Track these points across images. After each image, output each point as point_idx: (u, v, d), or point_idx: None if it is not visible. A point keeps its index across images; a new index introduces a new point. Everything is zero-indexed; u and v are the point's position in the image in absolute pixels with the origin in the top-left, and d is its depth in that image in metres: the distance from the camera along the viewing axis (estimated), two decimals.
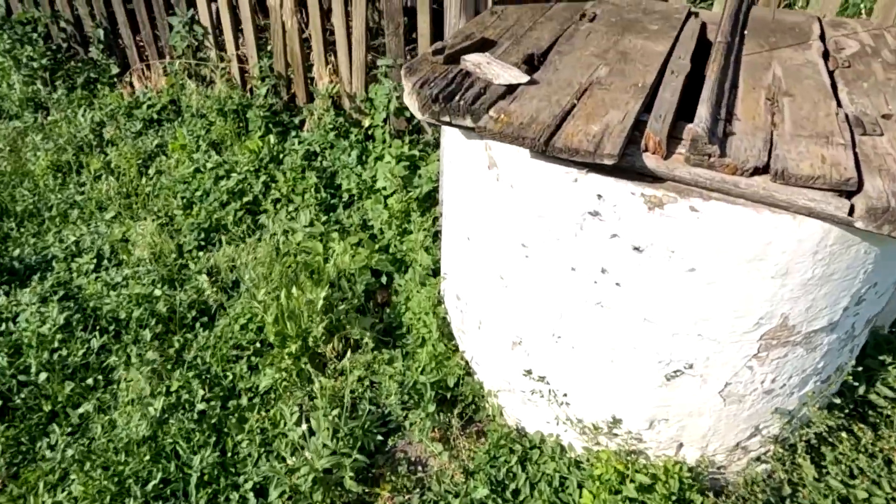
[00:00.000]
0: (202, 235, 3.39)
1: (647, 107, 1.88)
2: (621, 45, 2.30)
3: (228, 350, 2.76)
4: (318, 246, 3.15)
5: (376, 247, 3.21)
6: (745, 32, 2.48)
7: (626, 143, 1.65)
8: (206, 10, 4.27)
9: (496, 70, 1.92)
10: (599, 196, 1.72)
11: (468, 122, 1.81)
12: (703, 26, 2.69)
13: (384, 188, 3.51)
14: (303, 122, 4.25)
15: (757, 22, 2.63)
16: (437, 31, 4.07)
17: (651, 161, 1.65)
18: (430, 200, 3.47)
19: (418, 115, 1.87)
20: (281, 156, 4.02)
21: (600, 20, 2.55)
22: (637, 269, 1.78)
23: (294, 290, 2.69)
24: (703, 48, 2.44)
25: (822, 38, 2.48)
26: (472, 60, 1.96)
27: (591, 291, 1.90)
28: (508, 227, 2.00)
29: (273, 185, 3.73)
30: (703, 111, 1.69)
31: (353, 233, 3.34)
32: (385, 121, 3.92)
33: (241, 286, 2.94)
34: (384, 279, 3.08)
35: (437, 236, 3.24)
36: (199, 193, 3.72)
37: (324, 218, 3.44)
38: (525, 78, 1.91)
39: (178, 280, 3.16)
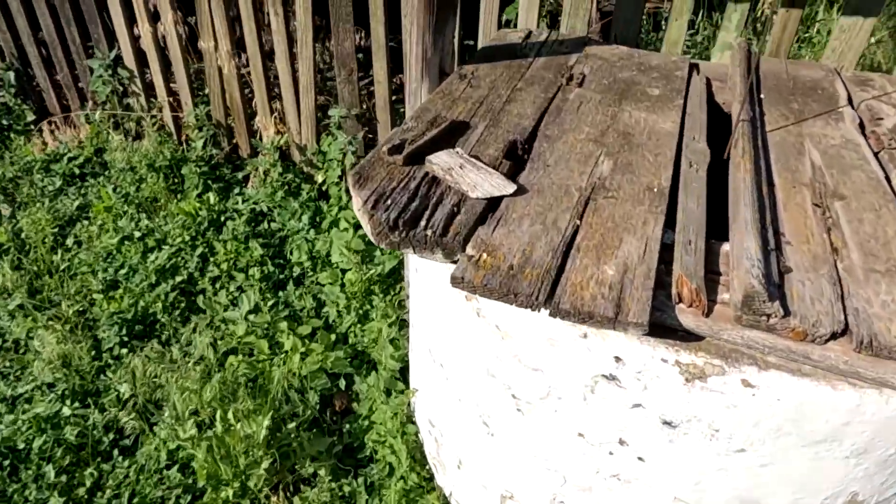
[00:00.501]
0: (125, 329, 2.86)
1: (668, 219, 1.46)
2: (621, 121, 1.88)
3: (153, 489, 2.25)
4: (263, 345, 2.65)
5: (332, 338, 2.73)
6: (762, 96, 2.09)
7: (652, 295, 1.22)
8: (130, 50, 3.73)
9: (472, 177, 1.48)
10: (617, 359, 1.28)
11: (438, 257, 1.36)
12: (709, 84, 2.29)
13: (340, 262, 3.03)
14: (247, 178, 3.74)
15: (769, 78, 2.24)
16: (397, 69, 3.60)
17: (689, 319, 1.23)
18: (394, 276, 3.01)
19: (373, 240, 1.41)
20: (223, 218, 3.51)
21: (591, 83, 2.13)
22: (668, 446, 1.35)
23: (231, 414, 2.20)
24: (714, 116, 2.04)
25: (850, 101, 2.10)
26: (440, 164, 1.51)
27: (605, 462, 1.47)
28: (493, 371, 1.56)
29: (212, 257, 3.22)
30: (750, 246, 1.27)
31: (305, 320, 2.86)
32: (341, 177, 3.44)
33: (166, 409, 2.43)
34: (342, 381, 2.60)
35: (404, 324, 2.78)
36: (123, 272, 3.18)
37: (271, 301, 2.94)
38: (510, 187, 1.47)
39: (93, 392, 2.62)
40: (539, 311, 1.20)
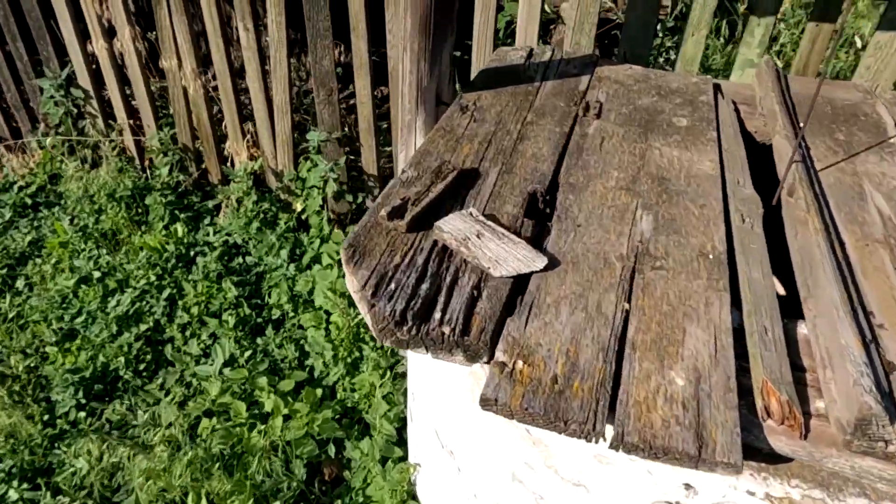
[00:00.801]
0: (83, 390, 2.53)
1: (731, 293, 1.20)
2: (652, 162, 1.62)
3: None
4: (241, 407, 2.35)
5: (318, 393, 2.44)
6: (801, 125, 1.85)
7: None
8: (84, 68, 3.38)
9: (493, 248, 1.20)
10: (688, 486, 1.03)
11: (459, 359, 1.09)
12: (737, 110, 2.05)
13: (325, 304, 2.74)
14: (219, 206, 3.42)
15: (802, 103, 2.01)
16: (380, 80, 3.33)
17: (782, 442, 0.97)
18: None
19: (376, 336, 1.14)
20: (192, 252, 3.19)
21: (609, 113, 1.87)
22: None
23: (204, 500, 1.90)
24: (748, 148, 1.80)
25: None
26: (453, 232, 1.23)
27: None
28: (520, 477, 1.29)
29: (181, 300, 2.90)
30: (849, 340, 1.02)
31: (286, 373, 2.56)
32: (323, 205, 3.15)
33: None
34: (331, 447, 2.32)
35: (399, 375, 2.50)
36: (80, 319, 2.85)
37: (248, 350, 2.64)
38: (539, 261, 1.20)
39: (45, 470, 2.30)
40: (597, 441, 0.93)
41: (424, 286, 1.15)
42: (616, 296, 1.17)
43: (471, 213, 1.30)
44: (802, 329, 1.18)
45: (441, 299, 1.13)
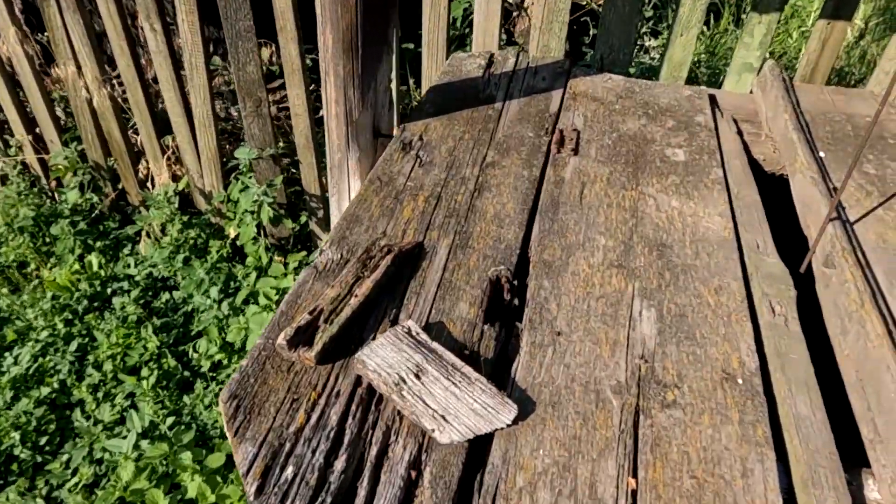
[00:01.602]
0: None
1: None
2: (647, 219, 1.26)
3: None
4: (158, 496, 1.97)
5: None
6: (822, 154, 1.51)
7: None
8: None
9: (440, 393, 0.84)
10: None
11: None
12: (739, 131, 1.70)
13: None
14: (140, 232, 2.97)
15: (817, 120, 1.67)
16: (319, 81, 2.91)
17: None
18: None
19: None
20: (109, 290, 2.75)
21: (590, 146, 1.50)
22: None
23: None
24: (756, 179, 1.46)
25: None
26: (382, 370, 0.86)
27: None
28: None
29: (92, 353, 2.47)
30: None
31: (217, 443, 2.17)
32: (259, 231, 2.73)
33: None
34: None
35: None
36: None
37: (171, 416, 2.24)
38: (506, 413, 0.84)
39: None
40: None
41: (339, 465, 0.78)
42: (617, 464, 0.81)
43: (408, 332, 0.92)
44: (872, 491, 0.85)
45: (362, 490, 0.76)
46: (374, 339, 0.93)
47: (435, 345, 0.91)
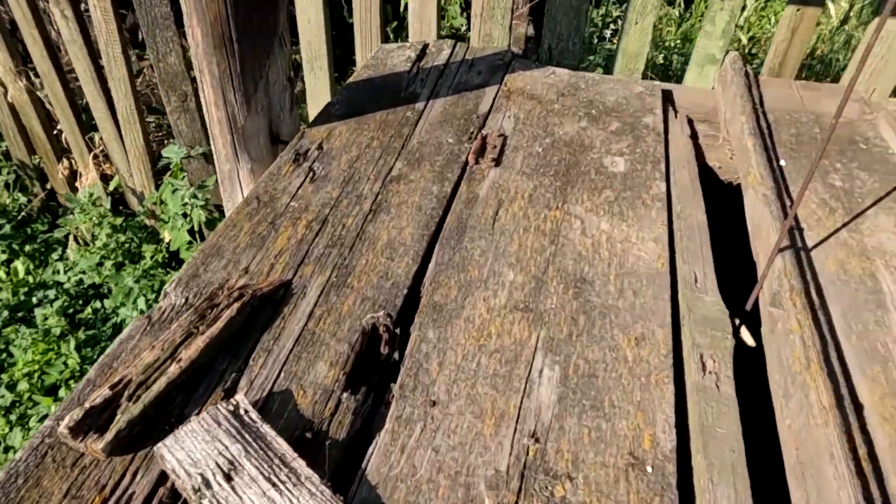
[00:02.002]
0: None
1: None
2: (569, 246, 1.07)
3: None
4: None
5: None
6: (782, 163, 1.32)
7: None
8: None
9: (254, 502, 0.65)
10: None
11: None
12: (694, 134, 1.51)
13: None
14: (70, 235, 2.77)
15: (781, 120, 1.47)
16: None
17: None
18: None
19: None
20: (35, 299, 2.55)
21: (515, 155, 1.30)
22: None
23: None
24: (707, 188, 1.27)
25: None
26: (187, 465, 0.67)
27: None
28: None
29: (8, 370, 2.29)
30: None
31: None
32: (195, 235, 2.53)
33: None
34: None
35: None
36: None
37: None
38: None
39: None
40: None
41: None
42: None
43: (233, 411, 0.73)
44: None
45: None
46: (190, 420, 0.74)
47: (265, 428, 0.72)
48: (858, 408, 0.84)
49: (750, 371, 1.07)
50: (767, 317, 0.98)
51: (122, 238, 2.63)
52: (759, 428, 0.93)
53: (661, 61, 3.00)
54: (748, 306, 1.05)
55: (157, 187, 2.61)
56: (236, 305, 0.86)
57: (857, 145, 1.41)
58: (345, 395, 0.81)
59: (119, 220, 2.69)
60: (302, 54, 2.03)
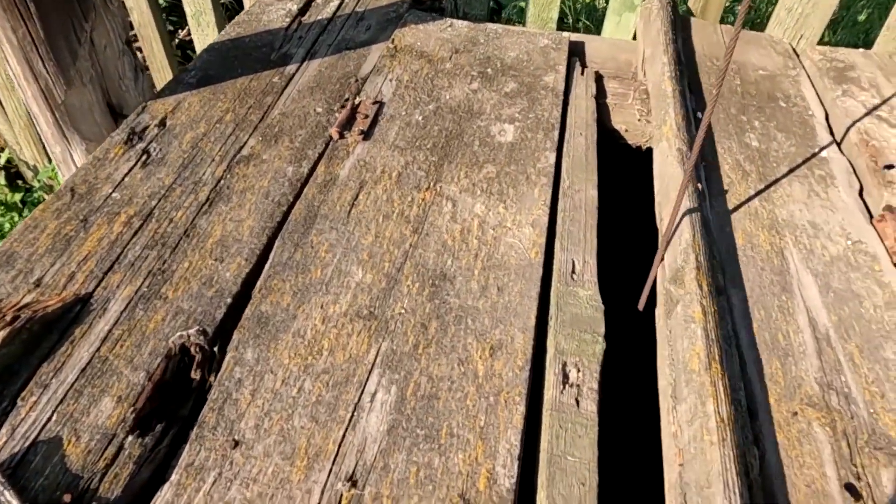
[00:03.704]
0: None
1: None
2: (432, 237, 0.94)
3: None
4: None
5: None
6: (699, 115, 1.19)
7: None
8: None
9: None
10: None
11: None
12: (601, 91, 1.36)
13: None
14: None
15: (703, 68, 1.34)
16: None
17: None
18: None
19: None
20: None
21: (391, 126, 1.14)
22: None
23: None
24: (608, 154, 1.14)
25: (828, 119, 1.24)
26: None
27: None
28: None
29: None
30: None
31: None
32: None
33: None
34: None
35: None
36: None
37: None
38: None
39: None
40: None
41: None
42: None
43: None
44: None
45: None
46: None
47: (6, 496, 0.59)
48: (753, 415, 0.74)
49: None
50: (664, 296, 0.87)
51: (17, 218, 2.42)
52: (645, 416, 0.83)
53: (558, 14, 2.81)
54: (641, 305, 0.93)
55: (50, 160, 2.39)
56: (2, 334, 0.72)
57: (776, 102, 1.28)
58: (129, 438, 0.68)
59: (17, 196, 2.48)
60: (185, 8, 1.81)
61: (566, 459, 0.69)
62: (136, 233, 0.91)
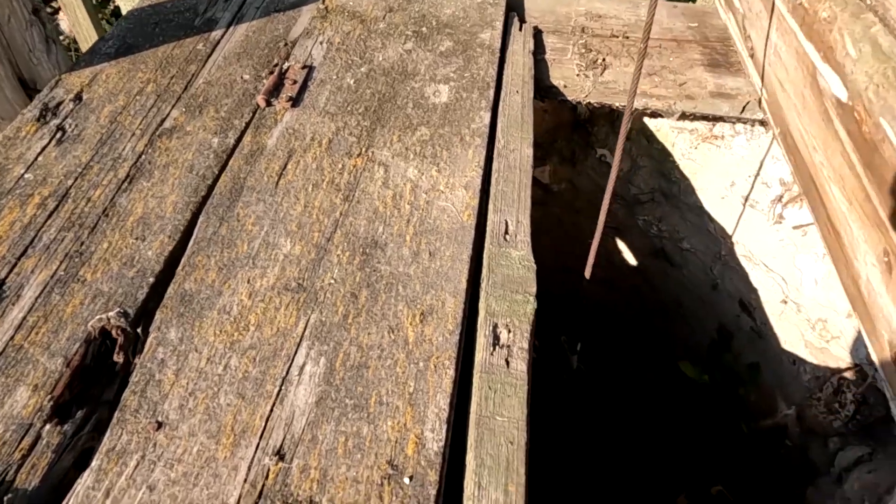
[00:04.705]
0: None
1: None
2: (364, 203, 0.92)
3: None
4: None
5: None
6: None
7: None
8: None
9: None
10: None
11: None
12: (539, 45, 1.34)
13: None
14: None
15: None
16: None
17: None
18: None
19: None
20: None
21: (321, 90, 1.11)
22: None
23: None
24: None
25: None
26: None
27: None
28: None
29: None
30: None
31: None
32: None
33: None
34: None
35: None
36: None
37: None
38: None
39: None
40: None
41: None
42: None
43: None
44: None
45: None
46: None
47: None
48: None
49: None
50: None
51: None
52: None
53: None
54: (587, 272, 0.93)
55: None
56: None
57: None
58: (47, 427, 0.66)
59: None
60: None
61: (495, 420, 0.70)
62: (51, 214, 0.87)
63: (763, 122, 1.34)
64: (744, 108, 1.29)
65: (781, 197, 1.45)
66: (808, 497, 1.41)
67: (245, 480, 0.64)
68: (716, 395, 1.69)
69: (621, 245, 1.96)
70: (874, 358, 0.85)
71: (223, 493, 0.63)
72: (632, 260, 1.96)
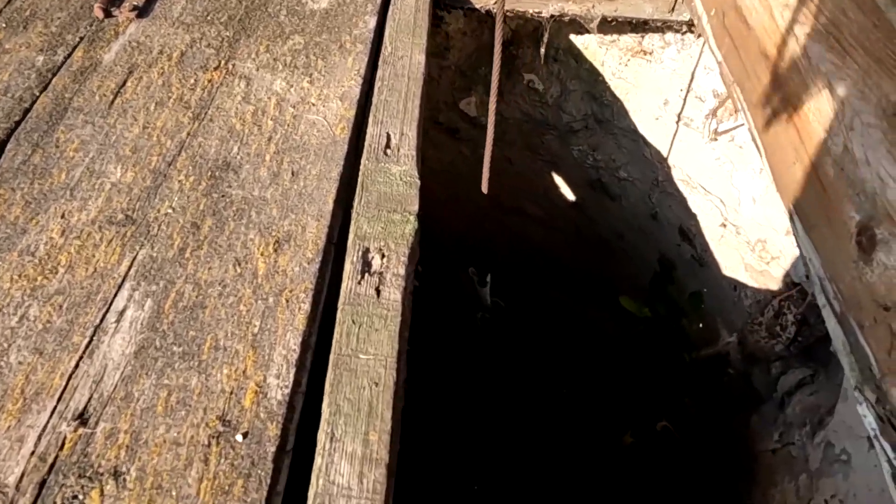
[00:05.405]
0: None
1: None
2: (218, 121, 0.77)
3: None
4: None
5: None
6: None
7: None
8: None
9: None
10: None
11: None
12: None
13: None
14: None
15: None
16: None
17: None
18: None
19: None
20: None
21: (176, 3, 0.94)
22: None
23: None
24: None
25: None
26: None
27: None
28: None
29: None
30: None
31: None
32: None
33: None
34: None
35: None
36: None
37: None
38: None
39: None
40: None
41: None
42: None
43: None
44: None
45: None
46: None
47: None
48: None
49: None
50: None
51: None
52: None
53: None
54: (485, 186, 0.81)
55: None
56: None
57: None
58: None
59: None
60: None
61: (357, 358, 0.58)
62: None
63: (691, 25, 1.23)
64: (673, 6, 1.17)
65: (716, 111, 1.35)
66: (752, 425, 1.36)
67: (32, 453, 0.51)
68: (658, 328, 1.61)
69: (558, 179, 1.84)
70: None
71: (6, 468, 0.49)
72: (569, 194, 1.86)
